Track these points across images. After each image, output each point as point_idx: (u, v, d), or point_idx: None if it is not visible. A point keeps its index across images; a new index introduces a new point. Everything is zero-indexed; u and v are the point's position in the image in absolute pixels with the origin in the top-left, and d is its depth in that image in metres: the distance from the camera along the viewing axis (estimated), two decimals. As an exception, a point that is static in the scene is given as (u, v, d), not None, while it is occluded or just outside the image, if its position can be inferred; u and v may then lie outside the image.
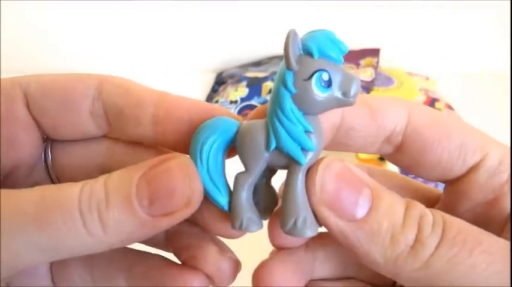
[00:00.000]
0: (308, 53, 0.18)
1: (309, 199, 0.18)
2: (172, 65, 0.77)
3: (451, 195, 0.21)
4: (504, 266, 0.16)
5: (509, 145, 0.20)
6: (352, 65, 0.70)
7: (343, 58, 0.19)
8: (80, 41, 0.77)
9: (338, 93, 0.18)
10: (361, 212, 0.17)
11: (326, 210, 0.18)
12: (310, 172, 0.18)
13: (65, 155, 0.23)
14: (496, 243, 0.17)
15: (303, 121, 0.18)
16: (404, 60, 0.75)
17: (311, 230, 0.18)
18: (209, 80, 0.75)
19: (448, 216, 0.18)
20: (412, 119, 0.20)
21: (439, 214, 0.18)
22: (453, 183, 0.21)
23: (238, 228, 0.19)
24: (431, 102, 0.62)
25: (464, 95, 0.66)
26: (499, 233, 0.19)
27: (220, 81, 0.74)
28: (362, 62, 0.71)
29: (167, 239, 0.24)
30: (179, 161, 0.18)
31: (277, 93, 0.18)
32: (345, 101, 0.18)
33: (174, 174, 0.18)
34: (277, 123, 0.18)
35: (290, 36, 0.17)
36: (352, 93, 0.18)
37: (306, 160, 0.18)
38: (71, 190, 0.17)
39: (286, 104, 0.18)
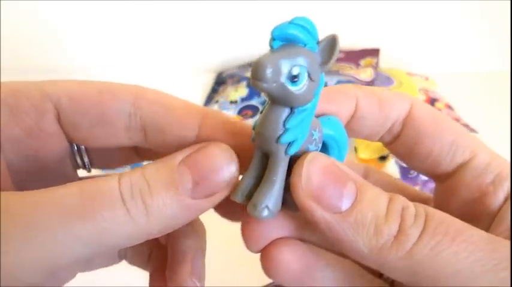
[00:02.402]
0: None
1: (294, 192, 0.18)
2: (172, 65, 0.77)
3: (440, 193, 0.23)
4: (485, 255, 0.16)
5: (509, 144, 0.21)
6: (352, 65, 0.70)
7: (276, 42, 0.17)
8: (80, 41, 0.77)
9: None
10: (346, 204, 0.18)
11: (312, 203, 0.18)
12: (295, 165, 0.19)
13: (95, 159, 0.24)
14: (477, 233, 0.17)
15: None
16: (404, 60, 0.75)
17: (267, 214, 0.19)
18: (209, 80, 0.75)
19: (430, 208, 0.18)
20: (412, 112, 0.21)
21: (422, 207, 0.18)
22: (443, 181, 0.22)
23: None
24: (431, 102, 0.62)
25: (464, 95, 0.66)
26: (485, 230, 0.20)
27: (220, 81, 0.74)
28: (362, 62, 0.71)
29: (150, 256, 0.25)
30: (217, 145, 0.19)
31: None
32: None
33: (213, 156, 0.19)
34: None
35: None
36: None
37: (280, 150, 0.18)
38: (109, 181, 0.18)
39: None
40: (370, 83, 0.65)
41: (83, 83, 0.21)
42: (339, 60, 0.72)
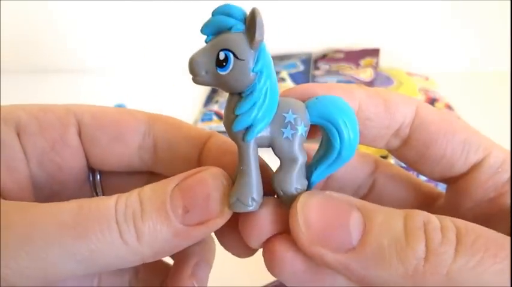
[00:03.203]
0: None
1: (297, 241, 0.17)
2: (172, 65, 0.77)
3: (453, 194, 0.21)
4: None
5: (509, 144, 0.20)
6: (351, 65, 0.70)
7: (208, 38, 0.18)
8: (80, 42, 0.77)
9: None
10: (356, 237, 0.16)
11: (320, 249, 0.16)
12: (290, 213, 0.18)
13: (108, 184, 0.24)
14: None
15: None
16: (404, 60, 0.75)
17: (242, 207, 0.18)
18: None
19: (458, 220, 0.16)
20: (419, 114, 0.20)
21: (447, 219, 0.16)
22: (455, 181, 0.21)
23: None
24: (431, 102, 0.62)
25: (464, 95, 0.66)
26: (501, 231, 0.19)
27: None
28: (362, 62, 0.72)
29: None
30: (212, 172, 0.19)
31: None
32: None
33: (207, 183, 0.18)
34: None
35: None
36: None
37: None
38: (107, 202, 0.18)
39: None
40: (370, 83, 0.65)
41: (103, 106, 0.23)
42: (339, 60, 0.72)
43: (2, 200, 0.18)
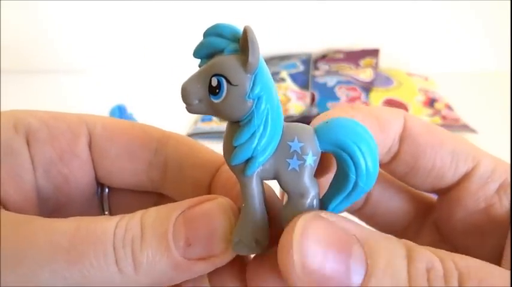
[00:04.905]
0: None
1: (288, 279, 0.15)
2: (172, 64, 0.77)
3: (444, 205, 0.21)
4: None
5: (509, 145, 0.20)
6: (351, 66, 0.70)
7: (202, 61, 0.16)
8: (80, 42, 0.77)
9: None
10: (356, 279, 0.15)
11: None
12: (281, 239, 0.15)
13: (120, 197, 0.23)
14: None
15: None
16: (404, 60, 0.75)
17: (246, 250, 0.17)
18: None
19: (460, 260, 0.15)
20: (407, 126, 0.20)
21: (450, 261, 0.15)
22: (446, 192, 0.21)
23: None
24: (431, 102, 0.62)
25: (464, 95, 0.66)
26: (493, 241, 0.19)
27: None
28: (361, 62, 0.72)
29: None
30: (219, 203, 0.17)
31: None
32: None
33: (214, 216, 0.17)
34: None
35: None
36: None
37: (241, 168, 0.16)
38: (107, 224, 0.16)
39: None
40: (370, 84, 0.65)
41: (117, 119, 0.22)
42: (338, 60, 0.72)
43: (2, 211, 0.17)
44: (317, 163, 0.16)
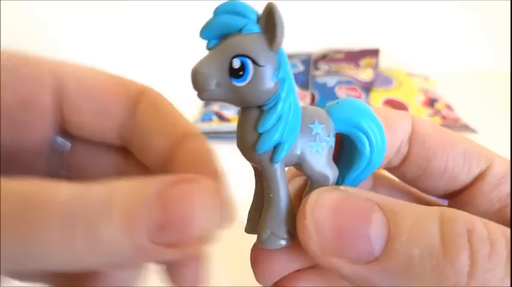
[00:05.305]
0: None
1: (307, 250, 0.14)
2: (172, 64, 0.77)
3: (455, 206, 0.20)
4: None
5: (509, 145, 0.20)
6: (351, 66, 0.70)
7: (211, 42, 0.15)
8: (79, 42, 0.77)
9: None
10: (378, 246, 0.13)
11: (334, 259, 0.14)
12: (298, 214, 0.15)
13: (82, 153, 0.21)
14: None
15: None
16: (404, 60, 0.75)
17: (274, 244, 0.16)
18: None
19: (503, 227, 0.13)
20: (416, 128, 0.20)
21: (495, 226, 0.13)
22: (458, 195, 0.20)
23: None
24: (431, 102, 0.62)
25: (464, 95, 0.66)
26: None
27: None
28: (361, 62, 0.72)
29: None
30: (202, 187, 0.15)
31: None
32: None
33: (193, 201, 0.15)
34: None
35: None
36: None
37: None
38: (60, 188, 0.14)
39: None
40: (370, 84, 0.65)
41: (92, 69, 0.20)
42: (338, 60, 0.72)
43: None
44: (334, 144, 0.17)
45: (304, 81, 0.64)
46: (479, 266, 0.12)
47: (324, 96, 0.61)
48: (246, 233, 0.18)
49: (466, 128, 0.56)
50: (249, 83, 0.14)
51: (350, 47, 0.74)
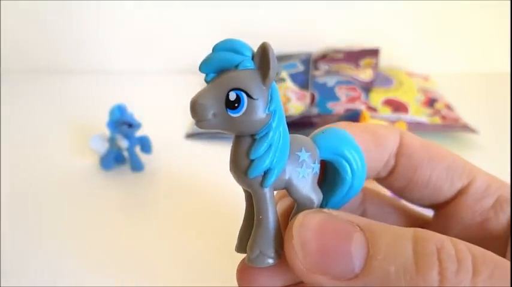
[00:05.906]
0: None
1: (293, 268, 0.16)
2: (172, 65, 0.77)
3: (440, 220, 0.22)
4: None
5: (509, 145, 0.21)
6: (351, 66, 0.70)
7: (209, 76, 0.16)
8: (80, 41, 0.77)
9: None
10: (358, 264, 0.15)
11: (318, 276, 0.15)
12: (285, 234, 0.16)
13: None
14: None
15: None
16: (404, 60, 0.75)
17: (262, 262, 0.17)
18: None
19: (471, 245, 0.15)
20: (403, 142, 0.21)
21: (461, 243, 0.14)
22: (443, 207, 0.21)
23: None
24: (431, 102, 0.62)
25: (464, 95, 0.66)
26: None
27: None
28: (361, 62, 0.72)
29: None
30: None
31: None
32: None
33: None
34: None
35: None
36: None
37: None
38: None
39: None
40: (370, 84, 0.65)
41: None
42: (338, 60, 0.72)
43: None
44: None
45: (304, 81, 0.64)
46: (448, 281, 0.13)
47: (324, 96, 0.61)
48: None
49: (466, 128, 0.56)
50: (244, 114, 0.15)
51: (350, 47, 0.74)
